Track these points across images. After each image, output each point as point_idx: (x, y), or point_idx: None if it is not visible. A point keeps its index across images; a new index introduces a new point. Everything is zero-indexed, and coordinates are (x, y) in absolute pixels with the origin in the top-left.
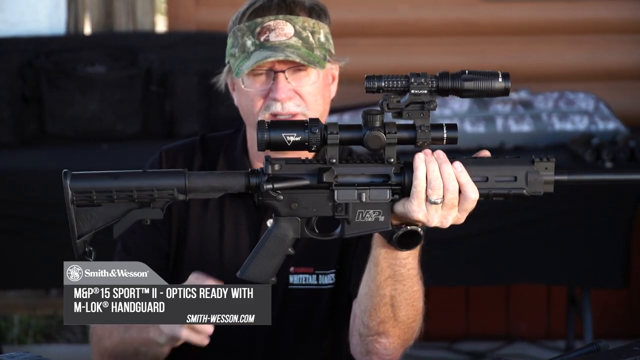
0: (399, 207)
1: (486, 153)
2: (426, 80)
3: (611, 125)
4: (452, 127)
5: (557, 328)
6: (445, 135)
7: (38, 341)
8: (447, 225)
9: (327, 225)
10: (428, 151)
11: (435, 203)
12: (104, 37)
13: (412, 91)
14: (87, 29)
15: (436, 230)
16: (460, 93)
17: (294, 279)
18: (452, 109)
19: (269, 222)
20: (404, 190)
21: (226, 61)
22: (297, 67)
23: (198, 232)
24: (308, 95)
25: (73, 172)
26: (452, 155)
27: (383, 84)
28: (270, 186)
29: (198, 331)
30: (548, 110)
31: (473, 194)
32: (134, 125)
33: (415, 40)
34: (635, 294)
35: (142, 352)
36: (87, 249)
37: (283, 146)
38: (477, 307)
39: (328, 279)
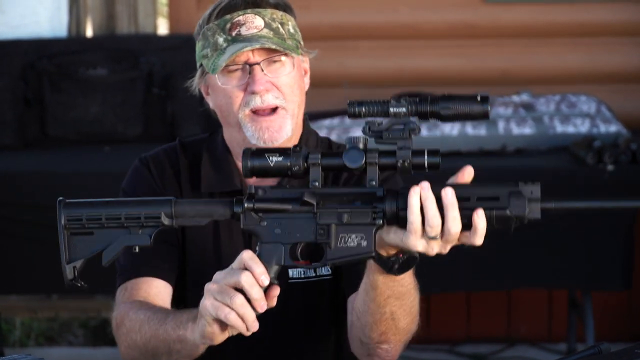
0: (396, 240)
1: (469, 170)
2: (405, 104)
3: (613, 128)
4: (433, 153)
5: (558, 330)
6: (425, 161)
7: (40, 344)
8: (445, 252)
9: (314, 255)
10: (426, 184)
11: (433, 239)
12: (106, 39)
13: (392, 113)
14: (89, 32)
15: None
16: (440, 117)
17: (293, 272)
18: None
19: None
20: (387, 217)
21: (198, 65)
22: (272, 59)
23: (195, 243)
24: (285, 86)
25: (66, 201)
26: (454, 158)
27: (364, 109)
28: (251, 205)
29: (243, 318)
30: (550, 113)
31: (455, 227)
32: (136, 128)
33: (416, 43)
34: (636, 297)
35: (176, 349)
36: (76, 275)
37: (267, 169)
38: (478, 310)
39: (325, 270)
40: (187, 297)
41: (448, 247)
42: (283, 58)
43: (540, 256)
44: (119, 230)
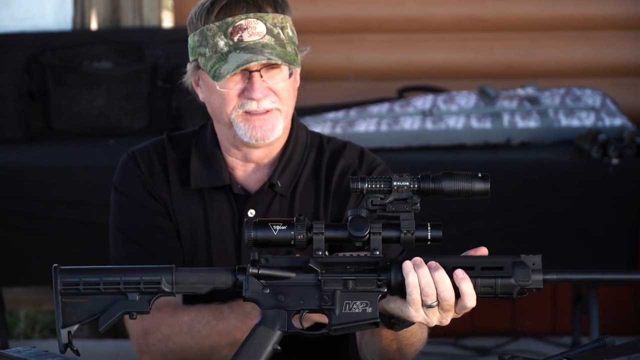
0: (396, 311)
1: (483, 251)
2: (408, 181)
3: (618, 121)
4: (437, 227)
5: (563, 324)
6: (429, 235)
7: (44, 336)
8: (446, 323)
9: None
10: (418, 259)
11: (431, 307)
12: (111, 32)
13: (395, 188)
14: (94, 25)
15: (442, 227)
16: (442, 194)
17: None
18: (458, 105)
19: (250, 212)
20: (391, 287)
21: (191, 59)
22: (271, 65)
23: (186, 227)
24: (282, 91)
25: (63, 267)
26: (459, 152)
27: (367, 185)
28: (255, 271)
29: None
30: (555, 106)
31: (470, 303)
32: (141, 121)
33: (424, 36)
34: None
35: (239, 339)
36: (70, 339)
37: (270, 239)
38: (482, 303)
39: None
40: None
41: (448, 318)
42: (292, 67)
43: (544, 249)
44: (117, 296)
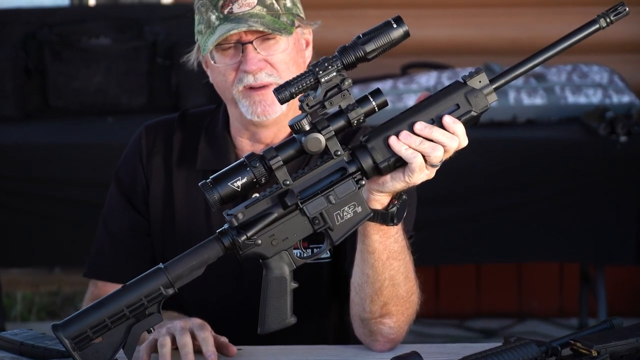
0: (397, 184)
1: (424, 94)
2: (329, 63)
3: (625, 98)
4: (376, 93)
5: (570, 305)
6: (374, 104)
7: (41, 318)
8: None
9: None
10: (404, 133)
11: (437, 166)
12: (109, 8)
13: (322, 80)
14: (92, 0)
15: (447, 208)
16: (367, 58)
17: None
18: None
19: (254, 196)
20: (365, 173)
21: (195, 39)
22: (266, 37)
23: (184, 208)
24: (280, 63)
25: (61, 323)
26: None
27: (293, 89)
28: (244, 237)
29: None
30: (561, 83)
31: (465, 142)
32: (140, 98)
33: (427, 12)
34: None
35: None
36: None
37: (235, 194)
38: (488, 285)
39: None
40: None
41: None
42: (277, 35)
43: (551, 229)
44: (127, 321)
